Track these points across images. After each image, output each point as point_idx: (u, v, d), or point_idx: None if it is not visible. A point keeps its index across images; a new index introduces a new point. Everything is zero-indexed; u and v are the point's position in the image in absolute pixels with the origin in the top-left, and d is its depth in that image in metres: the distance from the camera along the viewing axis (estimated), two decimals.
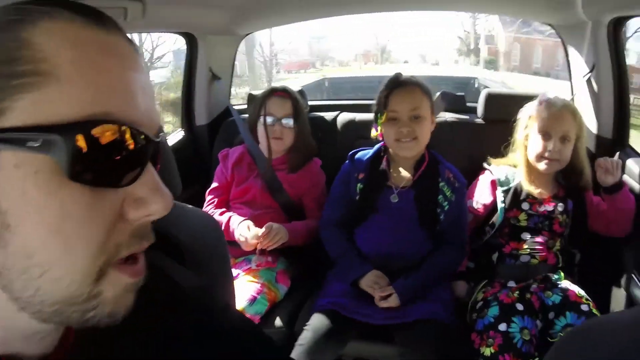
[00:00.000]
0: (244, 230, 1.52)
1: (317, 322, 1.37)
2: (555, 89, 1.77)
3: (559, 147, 1.47)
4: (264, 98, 1.71)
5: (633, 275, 1.43)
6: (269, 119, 1.67)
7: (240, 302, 1.41)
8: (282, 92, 1.72)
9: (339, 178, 1.57)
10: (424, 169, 1.48)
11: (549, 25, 1.95)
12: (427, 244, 1.49)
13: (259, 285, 1.50)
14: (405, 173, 1.50)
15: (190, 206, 0.90)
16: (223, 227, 1.56)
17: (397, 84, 1.46)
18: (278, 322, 1.49)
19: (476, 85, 6.23)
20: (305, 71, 27.08)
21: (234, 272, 1.60)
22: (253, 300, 1.44)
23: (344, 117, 2.02)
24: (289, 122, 1.68)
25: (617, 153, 1.70)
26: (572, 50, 1.87)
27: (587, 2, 1.51)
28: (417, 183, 1.48)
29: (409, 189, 1.48)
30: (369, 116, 1.58)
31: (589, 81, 1.76)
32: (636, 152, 1.69)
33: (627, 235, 1.52)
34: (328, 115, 2.04)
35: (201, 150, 2.11)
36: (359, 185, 1.51)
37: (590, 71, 1.72)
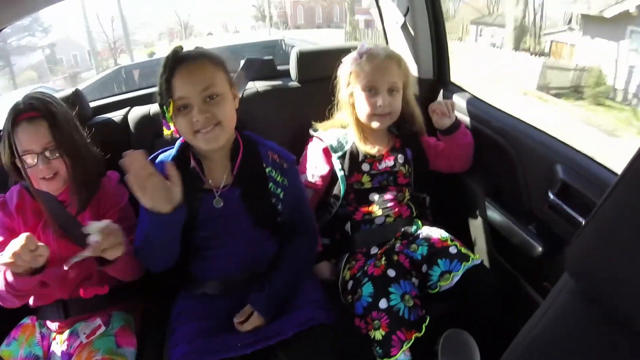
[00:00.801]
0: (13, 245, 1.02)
1: None
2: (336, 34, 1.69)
3: (388, 101, 1.38)
4: (10, 128, 1.18)
5: (486, 202, 1.47)
6: (27, 158, 1.18)
7: None
8: (32, 112, 1.19)
9: None
10: (242, 158, 1.21)
11: None
12: (271, 242, 1.26)
13: None
14: (222, 169, 1.21)
15: None
16: (4, 287, 1.12)
17: (176, 62, 1.10)
18: None
19: (284, 47, 6.09)
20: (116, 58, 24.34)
21: (64, 357, 1.23)
22: None
23: (135, 113, 1.63)
24: (55, 153, 1.20)
25: (441, 91, 1.71)
26: None
27: None
28: (239, 177, 1.20)
29: (231, 187, 1.20)
30: None
31: (404, 26, 1.71)
32: (459, 87, 1.70)
33: (469, 168, 1.54)
34: (116, 115, 1.64)
35: None
36: None
37: (405, 15, 1.67)
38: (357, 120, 1.43)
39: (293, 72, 1.73)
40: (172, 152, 1.22)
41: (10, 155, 1.19)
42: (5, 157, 1.21)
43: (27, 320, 1.32)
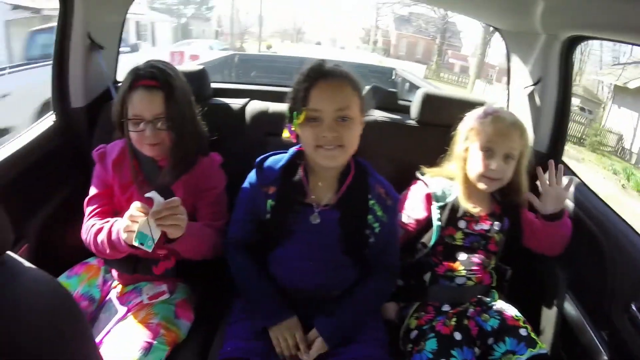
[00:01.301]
0: (133, 210, 1.07)
1: None
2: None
3: (502, 166, 1.34)
4: (126, 90, 1.20)
5: (566, 294, 1.40)
6: (136, 123, 1.21)
7: (132, 352, 1.09)
8: (150, 81, 1.19)
9: (245, 192, 1.25)
10: (351, 183, 1.20)
11: (496, 29, 1.81)
12: (352, 271, 1.25)
13: (155, 325, 1.17)
14: (327, 187, 1.21)
15: (25, 266, 0.58)
16: (106, 245, 1.17)
17: (320, 75, 1.11)
18: None
19: (393, 77, 5.94)
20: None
21: (120, 308, 1.26)
22: (149, 348, 1.11)
23: (254, 107, 1.68)
24: (164, 124, 1.21)
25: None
26: (515, 59, 1.76)
27: (547, 14, 1.39)
28: (342, 201, 1.19)
29: (332, 208, 1.19)
30: (285, 107, 1.21)
31: (531, 93, 1.67)
32: (567, 167, 1.62)
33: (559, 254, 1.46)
34: (235, 103, 1.70)
35: (78, 141, 1.65)
36: (269, 202, 1.20)
37: (535, 84, 1.63)
38: (465, 177, 1.40)
39: (414, 112, 1.71)
40: (283, 157, 1.24)
41: (120, 114, 1.23)
42: (115, 114, 1.25)
43: (93, 261, 1.37)
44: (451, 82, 20.75)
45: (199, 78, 1.63)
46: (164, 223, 1.04)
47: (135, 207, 1.07)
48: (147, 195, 1.05)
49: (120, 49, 1.81)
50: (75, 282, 1.31)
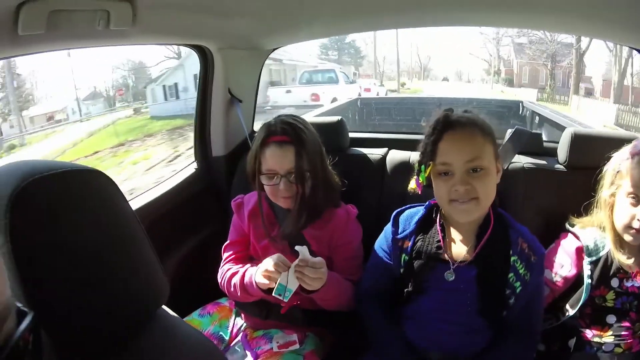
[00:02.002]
0: (270, 261, 1.14)
1: None
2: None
3: None
4: (259, 146, 1.25)
5: None
6: (270, 177, 1.25)
7: None
8: (282, 137, 1.23)
9: (380, 245, 1.23)
10: (490, 237, 1.10)
11: (635, 49, 1.56)
12: (486, 333, 1.14)
13: None
14: (464, 242, 1.12)
15: (177, 320, 0.60)
16: (238, 287, 1.24)
17: (447, 126, 1.06)
18: None
19: (521, 111, 5.49)
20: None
21: (248, 353, 1.29)
22: None
23: (394, 157, 1.63)
24: (296, 177, 1.23)
25: None
26: None
27: None
28: (480, 257, 1.10)
29: (469, 264, 1.10)
30: None
31: None
32: None
33: None
34: (374, 153, 1.66)
35: (218, 186, 1.79)
36: (403, 256, 1.16)
37: None
38: (614, 226, 1.22)
39: (562, 155, 1.51)
40: (419, 210, 1.20)
41: (254, 168, 1.27)
42: (249, 168, 1.30)
43: (225, 302, 1.43)
44: (562, 102, 22.22)
45: (337, 129, 1.65)
46: (306, 280, 1.09)
47: (277, 259, 1.11)
48: (296, 248, 1.10)
49: (345, 82, 1.99)
50: (207, 321, 1.38)
